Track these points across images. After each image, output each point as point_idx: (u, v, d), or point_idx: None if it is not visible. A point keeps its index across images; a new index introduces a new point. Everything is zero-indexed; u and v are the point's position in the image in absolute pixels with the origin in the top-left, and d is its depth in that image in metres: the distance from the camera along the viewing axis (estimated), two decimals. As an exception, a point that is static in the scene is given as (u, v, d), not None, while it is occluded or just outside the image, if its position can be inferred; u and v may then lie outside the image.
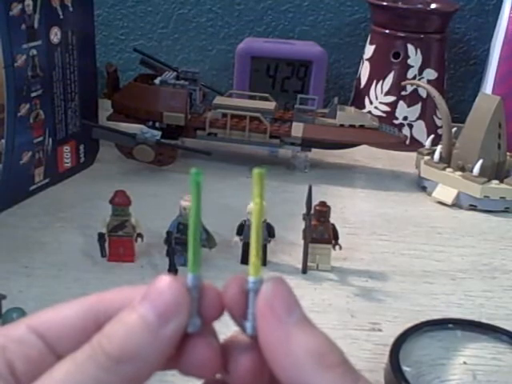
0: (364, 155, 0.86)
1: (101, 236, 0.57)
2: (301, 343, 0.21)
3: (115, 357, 0.20)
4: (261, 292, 0.22)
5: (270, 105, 0.81)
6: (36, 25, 0.65)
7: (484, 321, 0.51)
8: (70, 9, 0.69)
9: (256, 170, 0.22)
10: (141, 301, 0.22)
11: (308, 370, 0.21)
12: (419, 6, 0.89)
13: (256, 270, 0.22)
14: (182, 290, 0.22)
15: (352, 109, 0.83)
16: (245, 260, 0.59)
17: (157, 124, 0.78)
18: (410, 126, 0.90)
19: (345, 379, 0.21)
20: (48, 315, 0.23)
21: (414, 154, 0.81)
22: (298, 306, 0.22)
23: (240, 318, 0.23)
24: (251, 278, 0.22)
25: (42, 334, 0.22)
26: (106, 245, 0.58)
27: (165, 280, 0.22)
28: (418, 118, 0.90)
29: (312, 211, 0.56)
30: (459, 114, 0.89)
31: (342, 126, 0.79)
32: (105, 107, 0.82)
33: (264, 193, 0.22)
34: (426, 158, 0.78)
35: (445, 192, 0.74)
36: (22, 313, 0.43)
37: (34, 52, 0.65)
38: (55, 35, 0.68)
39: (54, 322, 0.22)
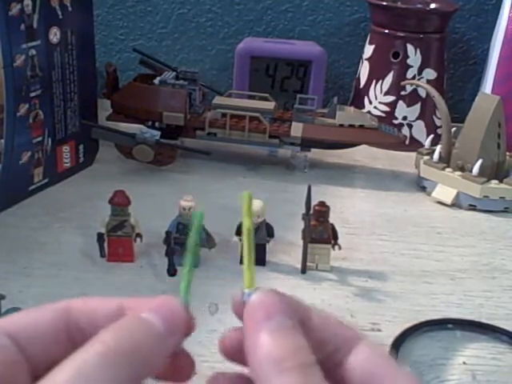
0: (364, 155, 0.86)
1: (100, 236, 0.57)
2: (263, 349, 0.22)
3: (121, 357, 0.21)
4: (248, 302, 0.23)
5: (270, 105, 0.81)
6: (35, 25, 0.64)
7: (483, 321, 0.51)
8: (70, 9, 0.69)
9: (245, 193, 0.25)
10: (149, 311, 0.23)
11: (265, 373, 0.22)
12: (419, 5, 0.89)
13: (249, 282, 0.24)
14: (181, 309, 0.24)
15: (351, 109, 0.83)
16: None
17: (156, 124, 0.78)
18: (410, 126, 0.90)
19: (297, 382, 0.21)
20: (21, 319, 0.23)
21: (413, 154, 0.81)
22: (280, 313, 0.23)
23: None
24: (246, 290, 0.24)
25: (15, 337, 0.23)
26: (106, 245, 0.58)
27: (170, 299, 0.24)
28: (417, 118, 0.89)
29: (311, 211, 0.56)
30: (459, 114, 0.89)
31: (341, 125, 0.79)
32: (104, 107, 0.82)
33: (252, 213, 0.25)
34: (426, 157, 0.77)
35: (444, 192, 0.74)
36: (21, 313, 0.43)
37: (33, 52, 0.65)
38: (54, 35, 0.68)
39: (26, 325, 0.23)
